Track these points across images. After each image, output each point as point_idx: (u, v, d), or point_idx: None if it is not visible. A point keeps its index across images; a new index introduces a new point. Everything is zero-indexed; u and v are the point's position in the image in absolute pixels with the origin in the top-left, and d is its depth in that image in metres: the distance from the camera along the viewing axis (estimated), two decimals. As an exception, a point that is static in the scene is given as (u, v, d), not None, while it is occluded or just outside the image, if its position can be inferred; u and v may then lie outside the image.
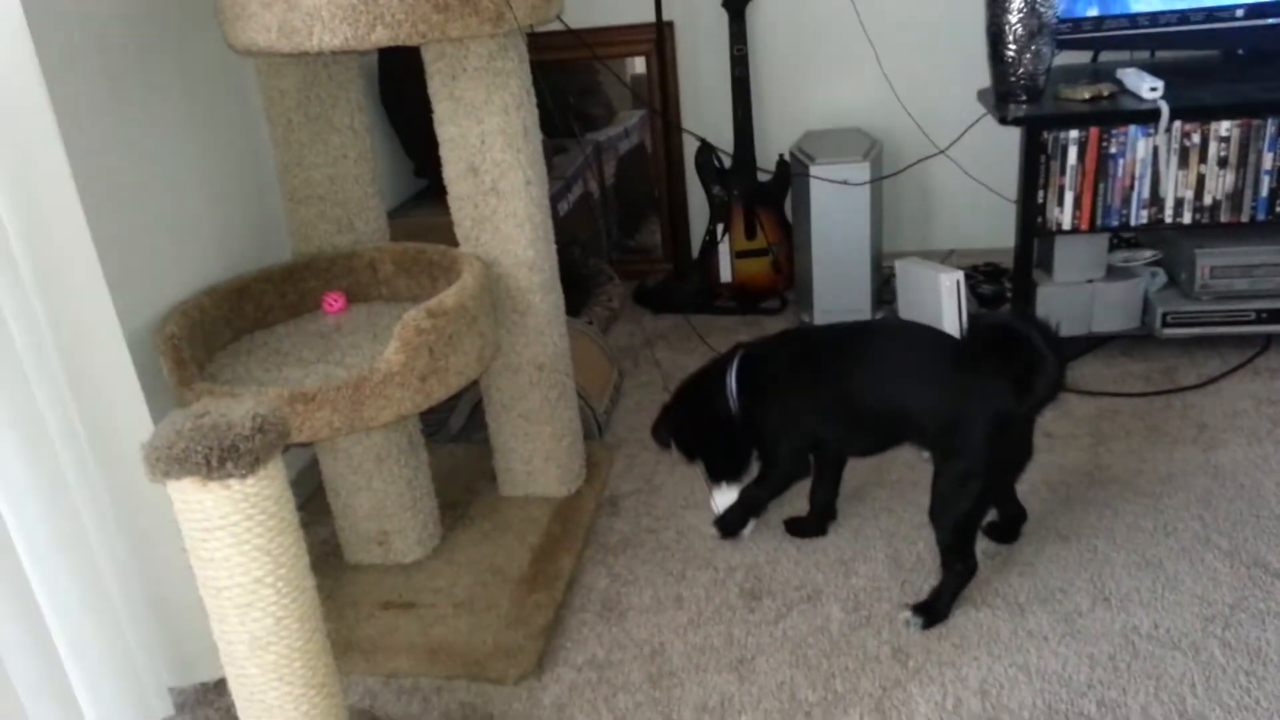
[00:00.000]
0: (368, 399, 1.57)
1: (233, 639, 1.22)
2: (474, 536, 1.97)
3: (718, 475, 1.90)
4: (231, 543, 1.18)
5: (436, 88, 1.81)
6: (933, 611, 1.66)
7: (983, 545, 1.83)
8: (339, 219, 1.98)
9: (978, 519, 1.65)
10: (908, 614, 1.67)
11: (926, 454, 1.68)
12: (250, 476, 1.17)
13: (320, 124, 1.92)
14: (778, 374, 1.79)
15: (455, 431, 2.35)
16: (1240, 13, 2.38)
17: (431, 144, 1.87)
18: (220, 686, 1.66)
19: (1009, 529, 1.84)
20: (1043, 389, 1.54)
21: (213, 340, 1.77)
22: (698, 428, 1.86)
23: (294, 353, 1.75)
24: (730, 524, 1.91)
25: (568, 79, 3.05)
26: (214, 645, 1.25)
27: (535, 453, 2.04)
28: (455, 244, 1.92)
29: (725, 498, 1.91)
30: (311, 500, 2.14)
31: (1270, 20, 2.37)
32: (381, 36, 1.59)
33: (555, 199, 2.60)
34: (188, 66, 1.84)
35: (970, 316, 2.43)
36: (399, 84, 2.52)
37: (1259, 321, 2.37)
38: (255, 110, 2.01)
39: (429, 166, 2.41)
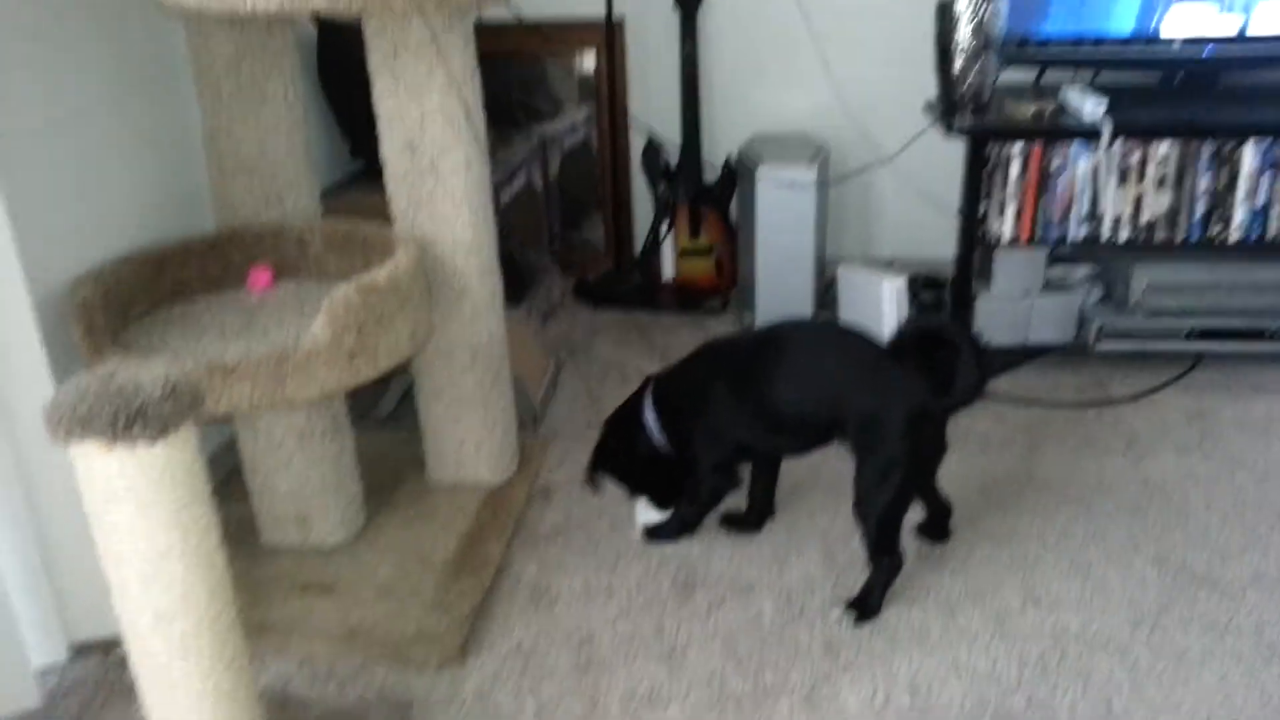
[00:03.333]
0: (291, 374, 1.51)
1: (136, 612, 1.15)
2: (399, 522, 1.91)
3: (653, 502, 1.89)
4: (136, 511, 1.11)
5: (377, 63, 1.75)
6: (864, 607, 1.65)
7: (916, 545, 1.82)
8: (267, 192, 1.90)
9: (900, 511, 1.64)
10: (840, 610, 1.65)
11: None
12: (159, 442, 1.10)
13: (252, 93, 1.85)
14: (693, 395, 1.78)
15: (385, 415, 2.28)
16: (1176, 45, 2.43)
17: (369, 123, 1.82)
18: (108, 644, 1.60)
19: (938, 525, 1.84)
20: (960, 393, 1.62)
21: (128, 309, 1.69)
22: (629, 465, 1.86)
23: (215, 326, 1.68)
24: (661, 537, 1.88)
25: (514, 72, 3.00)
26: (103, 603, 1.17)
27: (466, 439, 1.98)
28: (391, 226, 1.87)
29: (647, 515, 1.89)
30: (228, 482, 2.05)
31: (1205, 52, 2.42)
32: (320, 2, 1.53)
33: (497, 188, 2.55)
34: (114, 22, 1.76)
35: (906, 319, 2.44)
36: (337, 60, 2.45)
37: (1190, 338, 2.41)
38: (184, 73, 1.93)
39: (365, 146, 2.34)
